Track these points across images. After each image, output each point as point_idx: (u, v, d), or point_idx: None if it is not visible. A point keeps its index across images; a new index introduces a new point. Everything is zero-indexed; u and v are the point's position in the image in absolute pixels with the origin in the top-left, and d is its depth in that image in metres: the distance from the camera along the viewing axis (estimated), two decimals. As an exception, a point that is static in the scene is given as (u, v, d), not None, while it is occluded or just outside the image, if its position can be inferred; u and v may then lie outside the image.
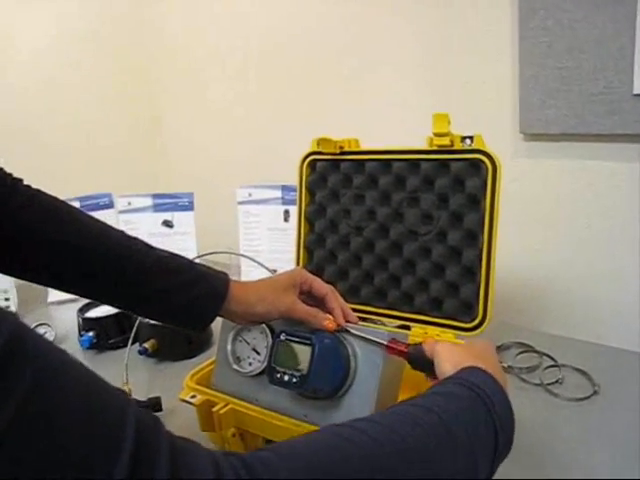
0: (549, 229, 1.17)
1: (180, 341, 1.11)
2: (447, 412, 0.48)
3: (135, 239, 0.72)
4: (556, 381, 0.92)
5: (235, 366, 0.76)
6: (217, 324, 1.21)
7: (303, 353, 0.63)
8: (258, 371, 0.73)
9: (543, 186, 1.17)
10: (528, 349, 1.01)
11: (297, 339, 0.64)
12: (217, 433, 0.75)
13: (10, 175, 0.69)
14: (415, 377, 0.71)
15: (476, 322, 0.84)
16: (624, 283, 1.07)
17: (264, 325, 0.74)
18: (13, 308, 1.34)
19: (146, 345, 1.08)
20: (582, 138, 1.11)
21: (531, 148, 1.19)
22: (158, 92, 1.89)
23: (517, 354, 1.00)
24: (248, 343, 0.76)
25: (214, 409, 0.73)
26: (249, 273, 1.39)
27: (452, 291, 0.87)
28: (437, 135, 0.84)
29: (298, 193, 1.00)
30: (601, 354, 0.99)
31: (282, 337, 0.65)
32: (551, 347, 1.00)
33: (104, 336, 1.15)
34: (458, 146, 0.85)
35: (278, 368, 0.64)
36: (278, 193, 1.34)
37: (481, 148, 0.83)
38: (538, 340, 1.03)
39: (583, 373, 0.93)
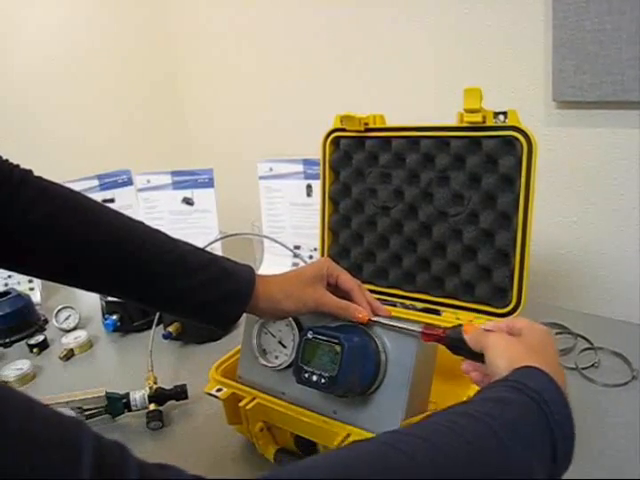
0: (583, 201, 1.12)
1: (204, 323, 1.09)
2: (500, 423, 0.43)
3: (157, 232, 0.68)
4: (592, 365, 0.88)
5: (261, 359, 0.74)
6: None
7: (331, 353, 0.60)
8: (285, 365, 0.71)
9: (577, 156, 1.11)
10: (562, 330, 0.97)
11: (325, 338, 0.61)
12: (244, 427, 0.73)
13: (17, 167, 0.64)
14: (448, 363, 0.68)
15: (510, 307, 0.81)
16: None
17: (290, 319, 0.72)
18: (37, 292, 1.34)
19: (170, 329, 1.07)
20: (619, 106, 1.04)
21: (565, 117, 1.12)
22: (179, 66, 1.84)
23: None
24: (274, 336, 0.74)
25: (241, 404, 0.72)
26: (272, 249, 1.37)
27: (484, 275, 0.83)
28: (468, 111, 0.79)
29: (321, 172, 0.96)
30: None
31: (309, 335, 0.63)
32: (587, 328, 0.96)
33: (128, 319, 1.15)
34: (490, 123, 0.79)
35: (306, 368, 0.62)
36: (300, 167, 1.30)
37: (516, 125, 0.78)
38: (573, 320, 0.99)
39: (621, 357, 0.89)
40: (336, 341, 0.60)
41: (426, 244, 0.88)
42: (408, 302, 0.91)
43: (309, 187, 1.30)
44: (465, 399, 0.65)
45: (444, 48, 1.22)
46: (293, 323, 0.71)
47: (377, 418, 0.63)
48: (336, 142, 0.95)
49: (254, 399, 0.72)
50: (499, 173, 0.80)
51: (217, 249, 1.33)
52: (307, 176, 1.30)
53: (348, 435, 0.63)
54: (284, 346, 0.73)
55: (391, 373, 0.64)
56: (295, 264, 1.35)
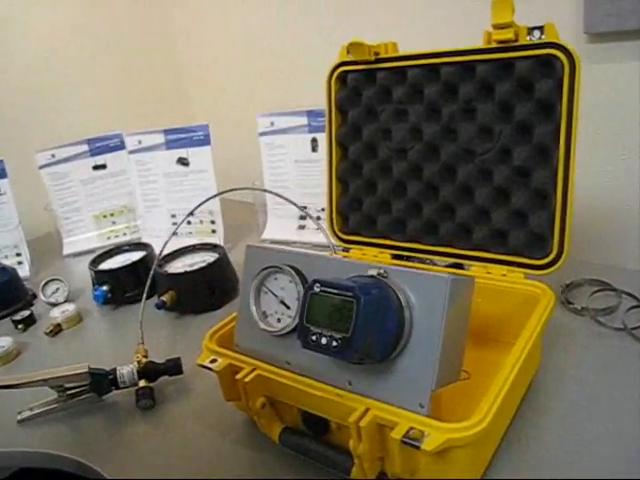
0: (621, 148, 0.99)
1: (202, 291, 0.99)
2: None
3: None
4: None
5: (261, 323, 0.63)
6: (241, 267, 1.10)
7: (344, 309, 0.49)
8: (289, 329, 0.60)
9: (614, 97, 0.98)
10: (605, 287, 0.85)
11: (335, 291, 0.50)
12: (243, 404, 0.63)
13: None
14: (480, 323, 0.57)
15: (550, 258, 0.69)
16: None
17: (293, 272, 0.61)
18: (26, 266, 1.24)
19: (164, 298, 0.96)
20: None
21: (599, 51, 0.98)
22: (174, 16, 1.70)
23: (592, 293, 0.84)
24: (275, 295, 0.63)
25: (238, 376, 0.61)
26: (276, 211, 1.26)
27: (519, 221, 0.71)
28: (498, 27, 0.66)
29: (327, 113, 0.85)
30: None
31: (316, 289, 0.51)
32: (631, 285, 0.84)
33: (119, 290, 1.04)
34: (524, 41, 0.67)
35: (313, 329, 0.50)
36: (304, 120, 1.17)
37: (555, 41, 0.65)
38: (615, 277, 0.87)
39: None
40: (349, 294, 0.49)
41: (449, 189, 0.76)
42: (428, 257, 0.79)
43: (314, 141, 1.18)
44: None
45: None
46: (297, 278, 0.60)
47: (402, 389, 0.52)
48: (343, 78, 0.83)
49: (254, 370, 0.61)
50: (535, 100, 0.68)
51: (216, 214, 1.22)
52: (312, 129, 1.18)
53: (367, 410, 0.52)
54: (287, 307, 0.62)
55: (417, 333, 0.52)
56: (302, 227, 1.24)
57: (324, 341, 0.50)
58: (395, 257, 0.82)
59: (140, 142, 1.23)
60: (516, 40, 0.67)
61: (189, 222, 1.24)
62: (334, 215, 0.88)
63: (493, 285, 0.72)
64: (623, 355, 0.72)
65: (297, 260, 0.62)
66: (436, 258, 0.79)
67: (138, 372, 0.78)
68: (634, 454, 0.58)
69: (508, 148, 0.70)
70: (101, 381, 0.77)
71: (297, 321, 0.59)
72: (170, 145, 1.21)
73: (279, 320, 0.63)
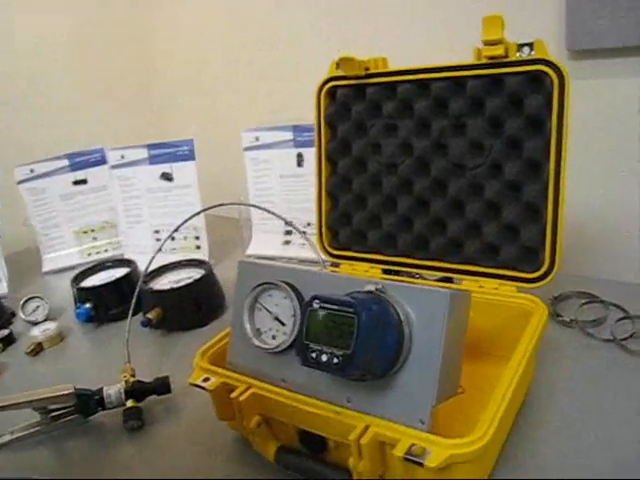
0: (605, 161, 1.01)
1: (188, 308, 0.97)
2: None
3: None
4: (630, 336, 0.78)
5: (255, 341, 0.62)
6: (230, 284, 1.08)
7: (344, 326, 0.48)
8: (285, 346, 0.59)
9: (594, 111, 1.00)
10: (592, 299, 0.86)
11: (335, 307, 0.49)
12: (238, 422, 0.62)
13: None
14: (472, 336, 0.57)
15: (542, 271, 0.70)
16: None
17: (288, 288, 0.60)
18: (4, 280, 1.20)
19: (150, 315, 0.94)
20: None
21: (580, 68, 1.00)
22: (148, 21, 1.68)
23: (580, 306, 0.85)
24: (270, 312, 0.62)
25: (233, 395, 0.60)
26: (262, 226, 1.25)
27: (510, 235, 0.72)
28: (488, 43, 0.67)
29: (316, 128, 0.85)
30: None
31: (315, 305, 0.51)
32: (618, 296, 0.85)
33: (103, 307, 1.02)
34: (513, 57, 0.68)
35: (312, 346, 0.50)
36: (289, 135, 1.17)
37: (544, 57, 0.66)
38: (602, 289, 0.88)
39: (664, 324, 0.78)
40: (350, 310, 0.48)
41: (440, 203, 0.76)
42: (420, 271, 0.79)
43: (300, 156, 1.18)
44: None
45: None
46: (292, 294, 0.59)
47: (402, 405, 0.52)
48: (332, 93, 0.83)
49: (249, 388, 0.60)
50: (525, 115, 0.69)
51: (201, 230, 1.21)
52: (297, 144, 1.17)
53: (367, 427, 0.51)
54: (282, 323, 0.61)
55: (416, 348, 0.52)
56: (287, 242, 1.23)
57: (324, 358, 0.49)
58: (386, 272, 0.82)
59: (123, 157, 1.21)
60: (506, 56, 0.68)
61: (173, 238, 1.22)
62: (324, 230, 0.87)
63: (485, 299, 0.72)
64: (613, 366, 0.73)
65: (292, 276, 0.62)
66: (427, 272, 0.79)
67: (125, 392, 0.76)
68: (625, 462, 0.58)
69: (499, 163, 0.71)
70: (87, 402, 0.75)
71: (293, 338, 0.59)
72: (154, 160, 1.20)
73: (274, 337, 0.62)
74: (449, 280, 0.81)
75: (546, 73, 0.66)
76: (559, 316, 0.83)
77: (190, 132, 1.22)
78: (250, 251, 1.26)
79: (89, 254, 1.32)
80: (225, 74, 1.53)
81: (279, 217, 0.91)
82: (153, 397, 0.78)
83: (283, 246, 1.23)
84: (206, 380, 0.63)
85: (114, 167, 1.22)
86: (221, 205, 0.93)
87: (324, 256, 0.87)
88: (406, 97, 0.76)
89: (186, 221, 0.92)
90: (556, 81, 0.65)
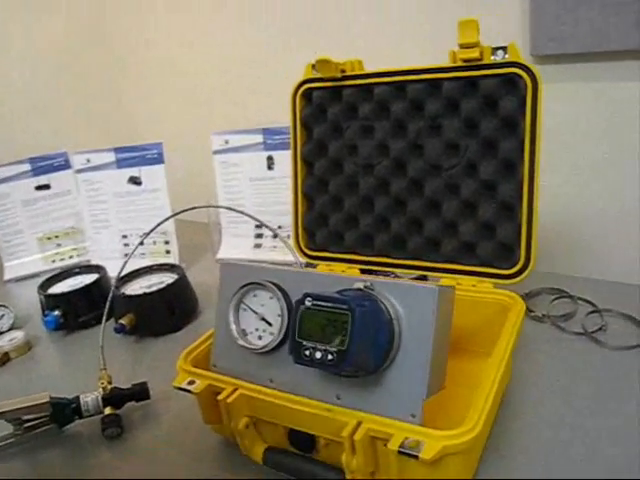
0: (570, 159, 1.04)
1: (162, 313, 0.96)
2: None
3: None
4: (599, 328, 0.81)
5: (241, 341, 0.62)
6: (209, 288, 1.07)
7: (338, 322, 0.49)
8: (272, 346, 0.59)
9: (558, 114, 1.04)
10: (562, 294, 0.89)
11: (329, 304, 0.50)
12: (225, 425, 0.61)
13: None
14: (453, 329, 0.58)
15: (518, 267, 0.72)
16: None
17: (275, 288, 0.60)
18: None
19: (123, 321, 0.92)
20: (603, 57, 0.97)
21: (543, 72, 1.03)
22: (113, 23, 1.64)
23: (551, 301, 0.88)
24: (255, 312, 0.62)
25: (220, 397, 0.59)
26: (232, 230, 1.24)
27: (487, 233, 0.74)
28: (464, 47, 0.69)
29: (292, 131, 0.85)
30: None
31: (307, 303, 0.51)
32: (585, 291, 0.89)
33: (72, 314, 0.99)
34: (488, 60, 0.70)
35: (306, 344, 0.50)
36: (259, 138, 1.17)
37: (517, 60, 0.69)
38: (569, 285, 0.91)
39: (630, 318, 0.82)
40: (344, 307, 0.48)
41: (417, 203, 0.78)
42: (397, 270, 0.80)
43: (270, 159, 1.18)
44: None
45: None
46: (279, 293, 0.59)
47: (393, 400, 0.53)
48: (307, 95, 0.83)
49: (236, 390, 0.60)
50: (500, 117, 0.71)
51: (170, 234, 1.19)
52: (268, 147, 1.17)
53: (359, 423, 0.52)
54: (269, 323, 0.61)
55: (406, 344, 0.53)
56: (258, 245, 1.23)
57: (318, 355, 0.49)
58: (363, 272, 0.83)
59: (89, 161, 1.19)
60: (481, 59, 0.70)
61: (142, 243, 1.20)
62: (300, 231, 0.87)
63: (463, 296, 0.73)
64: (585, 358, 0.76)
65: (277, 276, 0.62)
66: (405, 272, 0.80)
67: (103, 399, 0.74)
68: (600, 449, 0.60)
69: (474, 163, 0.73)
70: (63, 411, 0.73)
71: (281, 337, 0.59)
72: (121, 164, 1.18)
73: (260, 337, 0.62)
74: (424, 278, 0.83)
75: (520, 76, 0.68)
76: (531, 311, 0.86)
77: (158, 136, 1.20)
78: (220, 255, 1.24)
79: (53, 261, 1.28)
80: (194, 76, 1.51)
81: (256, 220, 0.91)
82: (131, 404, 0.76)
83: (254, 249, 1.23)
84: (191, 383, 0.62)
85: (79, 171, 1.20)
86: (195, 208, 0.92)
87: (301, 257, 0.87)
88: (382, 99, 0.77)
89: (160, 224, 0.91)
90: (530, 84, 0.68)
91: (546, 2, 0.96)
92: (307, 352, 0.50)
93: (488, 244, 0.73)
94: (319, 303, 0.50)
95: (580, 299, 0.87)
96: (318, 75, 0.80)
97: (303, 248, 0.88)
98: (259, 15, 1.31)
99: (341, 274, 0.60)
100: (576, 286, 0.90)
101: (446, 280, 0.76)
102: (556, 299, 0.89)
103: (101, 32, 1.63)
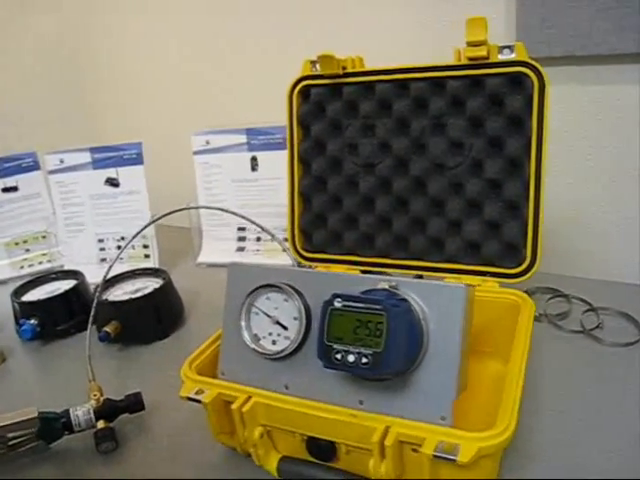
0: (560, 163, 1.05)
1: (148, 319, 0.91)
2: None
3: None
4: (597, 326, 0.81)
5: (254, 347, 0.59)
6: (192, 293, 1.03)
7: (372, 324, 0.47)
8: (289, 351, 0.57)
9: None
10: (556, 293, 0.90)
11: (361, 305, 0.47)
12: (239, 436, 0.58)
13: None
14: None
15: (524, 266, 0.72)
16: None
17: (291, 290, 0.57)
18: None
19: (107, 329, 0.88)
20: (588, 60, 0.99)
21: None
22: (89, 22, 1.56)
23: (546, 300, 0.89)
24: (269, 315, 0.59)
25: (233, 406, 0.56)
26: (213, 233, 1.20)
27: (492, 232, 0.73)
28: (472, 45, 0.69)
29: (288, 128, 0.82)
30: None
31: (337, 304, 0.49)
32: (580, 291, 0.89)
33: (50, 323, 0.94)
34: (495, 58, 0.70)
35: (337, 347, 0.48)
36: (243, 138, 1.14)
37: (524, 59, 0.69)
38: (565, 284, 0.92)
39: (626, 316, 0.83)
40: (378, 307, 0.46)
41: (420, 203, 0.76)
42: (399, 271, 0.79)
43: (254, 160, 1.15)
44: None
45: None
46: (296, 295, 0.57)
47: (421, 403, 0.51)
48: (305, 92, 0.81)
49: (250, 398, 0.57)
50: (506, 115, 0.70)
51: (150, 238, 1.15)
52: (252, 147, 1.15)
53: (388, 428, 0.50)
54: (284, 327, 0.58)
55: (434, 344, 0.51)
56: (241, 248, 1.19)
57: (351, 359, 0.47)
58: (364, 273, 0.81)
59: (62, 161, 1.13)
60: (487, 58, 0.69)
61: (118, 247, 1.15)
62: (296, 232, 0.85)
63: (470, 296, 0.73)
64: (586, 355, 0.76)
65: (291, 277, 0.59)
66: (407, 272, 0.78)
67: (95, 412, 0.69)
68: (609, 441, 0.61)
69: (480, 161, 0.72)
70: (52, 426, 0.68)
71: (299, 341, 0.56)
72: (97, 164, 1.12)
73: (274, 342, 0.59)
74: (420, 278, 0.81)
75: (527, 75, 0.68)
76: (528, 311, 0.86)
77: (137, 136, 1.15)
78: (201, 259, 1.21)
79: (21, 267, 1.21)
80: (175, 74, 1.45)
81: (251, 222, 0.87)
82: (123, 416, 0.72)
83: (236, 253, 1.19)
84: (199, 392, 0.59)
85: (52, 172, 1.13)
86: (185, 209, 0.88)
87: (298, 260, 0.85)
88: (385, 97, 0.76)
89: (148, 225, 0.87)
90: (536, 83, 0.68)
91: (533, 6, 0.97)
92: (338, 356, 0.48)
93: (493, 243, 0.73)
94: (349, 304, 0.48)
95: (575, 298, 0.88)
96: (318, 72, 0.78)
97: (299, 250, 0.85)
98: (247, 10, 1.27)
99: (355, 274, 0.58)
100: (570, 285, 0.91)
101: (450, 280, 0.75)
102: (551, 298, 0.89)
103: (74, 31, 1.56)
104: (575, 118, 1.01)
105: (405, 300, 0.50)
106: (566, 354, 0.77)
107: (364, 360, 0.46)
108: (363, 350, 0.47)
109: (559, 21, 0.97)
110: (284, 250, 0.84)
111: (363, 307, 0.47)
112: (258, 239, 1.19)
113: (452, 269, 0.75)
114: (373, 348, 0.46)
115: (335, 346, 0.48)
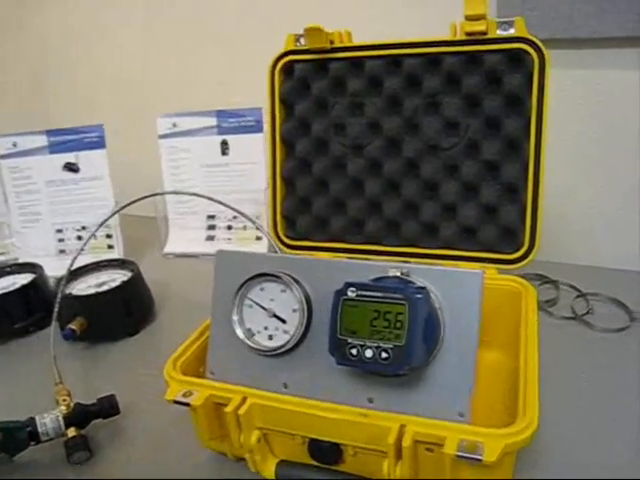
0: (549, 148, 1.03)
1: (117, 315, 0.85)
2: None
3: None
4: (587, 312, 0.80)
5: (250, 343, 0.54)
6: (161, 286, 0.96)
7: (390, 314, 0.42)
8: (289, 346, 0.52)
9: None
10: (545, 280, 0.88)
11: (379, 294, 0.43)
12: (226, 441, 0.53)
13: None
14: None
15: (522, 251, 0.69)
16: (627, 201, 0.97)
17: (291, 279, 0.52)
18: None
19: (72, 326, 0.80)
20: (569, 44, 0.97)
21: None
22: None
23: (537, 287, 0.87)
24: (264, 308, 0.54)
25: (228, 409, 0.51)
26: (180, 222, 1.14)
27: (489, 216, 0.70)
28: (470, 19, 0.65)
29: (269, 107, 0.77)
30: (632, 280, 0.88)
31: (350, 294, 0.44)
32: (567, 276, 0.88)
33: (7, 320, 0.86)
34: (493, 34, 0.66)
35: (352, 341, 0.43)
36: (213, 121, 1.08)
37: (524, 35, 0.65)
38: (553, 271, 0.90)
39: (616, 301, 0.81)
40: (399, 297, 0.42)
41: (413, 186, 0.73)
42: (390, 258, 0.75)
43: (225, 144, 1.09)
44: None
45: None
46: (296, 285, 0.52)
47: (436, 399, 0.47)
48: (288, 69, 0.76)
49: (245, 400, 0.52)
50: (504, 94, 0.67)
51: (114, 227, 1.07)
52: (222, 131, 1.08)
53: (403, 427, 0.46)
54: (282, 321, 0.53)
55: (449, 335, 0.47)
56: (210, 237, 1.13)
57: (369, 354, 0.42)
58: (352, 261, 0.77)
59: (15, 145, 1.03)
60: (485, 33, 0.66)
61: (79, 237, 1.07)
62: (278, 219, 0.80)
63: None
64: (580, 340, 0.75)
65: (287, 265, 0.54)
66: (399, 259, 0.74)
67: (65, 419, 0.63)
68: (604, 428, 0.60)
69: (476, 142, 0.69)
70: (15, 437, 0.61)
71: (299, 336, 0.51)
72: (55, 148, 1.03)
73: (271, 337, 0.54)
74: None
75: (527, 52, 0.65)
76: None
77: (98, 119, 1.07)
78: (168, 249, 1.14)
79: (-31, 261, 1.11)
80: (140, 53, 1.36)
81: (232, 209, 0.81)
82: (96, 421, 0.66)
83: (206, 242, 1.13)
84: (187, 395, 0.53)
85: (4, 157, 1.04)
86: (156, 194, 0.82)
87: (280, 247, 0.80)
88: (375, 74, 0.72)
89: (114, 214, 0.80)
90: (537, 60, 0.65)
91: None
92: (354, 351, 0.43)
93: (490, 227, 0.70)
94: (365, 293, 0.44)
95: (563, 284, 0.87)
96: (303, 47, 0.73)
97: (282, 237, 0.80)
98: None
99: (366, 261, 0.53)
100: (557, 271, 0.89)
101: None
102: (541, 285, 0.87)
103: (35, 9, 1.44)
104: (557, 103, 0.99)
105: (424, 288, 0.46)
106: (558, 340, 0.75)
107: (384, 355, 0.42)
108: (382, 344, 0.42)
109: (540, 3, 0.94)
110: (268, 239, 0.78)
111: (381, 297, 0.43)
112: (229, 227, 1.13)
113: (447, 255, 0.72)
114: (393, 342, 0.42)
115: (350, 340, 0.43)
